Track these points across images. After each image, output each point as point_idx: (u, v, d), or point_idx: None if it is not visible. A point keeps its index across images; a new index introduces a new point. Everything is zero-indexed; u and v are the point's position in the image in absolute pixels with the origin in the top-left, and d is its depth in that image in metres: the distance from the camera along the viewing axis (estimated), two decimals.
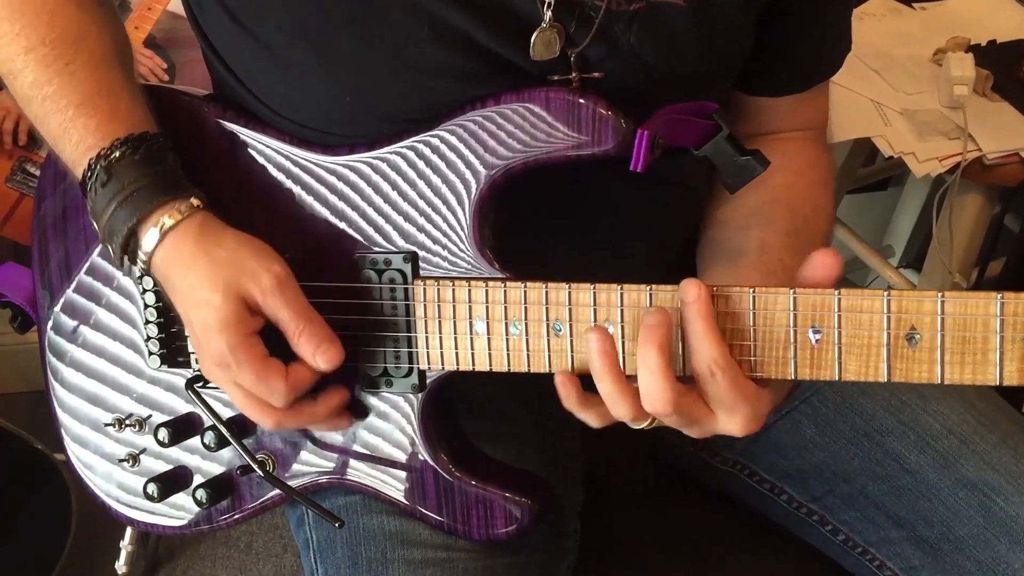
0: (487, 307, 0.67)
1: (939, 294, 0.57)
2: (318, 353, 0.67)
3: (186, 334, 0.77)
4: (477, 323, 0.68)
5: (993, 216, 1.60)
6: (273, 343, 0.68)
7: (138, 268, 0.70)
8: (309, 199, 0.73)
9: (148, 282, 0.76)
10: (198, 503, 0.79)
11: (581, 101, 0.65)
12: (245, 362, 0.66)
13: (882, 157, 1.53)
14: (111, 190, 0.68)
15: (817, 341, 0.60)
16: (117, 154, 0.69)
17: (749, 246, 0.76)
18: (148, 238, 0.68)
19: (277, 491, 0.78)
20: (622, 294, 0.64)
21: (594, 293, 0.65)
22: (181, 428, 0.79)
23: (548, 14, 0.66)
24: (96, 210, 0.70)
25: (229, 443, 0.76)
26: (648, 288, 0.63)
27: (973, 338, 0.57)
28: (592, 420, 0.65)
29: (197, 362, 0.77)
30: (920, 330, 0.58)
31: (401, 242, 0.71)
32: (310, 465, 0.77)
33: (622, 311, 0.64)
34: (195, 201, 0.69)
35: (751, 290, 0.61)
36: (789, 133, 0.83)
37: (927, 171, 1.45)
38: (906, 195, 2.17)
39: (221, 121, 0.76)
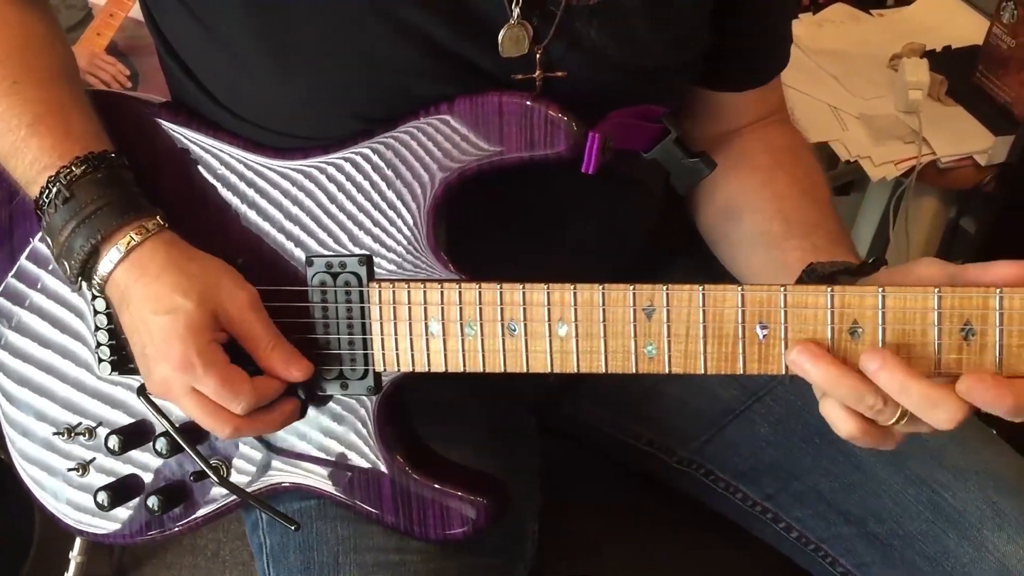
0: (442, 308, 0.68)
1: (879, 289, 0.59)
2: (291, 363, 0.69)
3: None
4: (432, 324, 0.68)
5: (949, 219, 1.63)
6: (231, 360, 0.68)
7: (94, 285, 0.70)
8: (263, 203, 0.73)
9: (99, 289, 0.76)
10: (150, 511, 0.78)
11: (533, 105, 0.66)
12: (211, 366, 0.66)
13: (843, 162, 1.56)
14: (72, 208, 0.68)
15: (764, 336, 0.61)
16: (78, 172, 0.69)
17: (775, 227, 0.77)
18: (111, 255, 0.68)
19: (231, 497, 0.78)
20: (575, 293, 0.65)
21: (548, 293, 0.65)
22: (132, 435, 0.78)
23: (516, 11, 0.67)
24: (53, 227, 0.69)
25: (182, 449, 0.75)
26: (601, 287, 0.64)
27: (912, 331, 0.59)
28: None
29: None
30: (862, 324, 0.59)
31: (356, 245, 0.71)
32: (264, 470, 0.77)
33: (575, 310, 0.65)
34: (160, 220, 0.69)
35: (700, 288, 0.62)
36: (758, 123, 0.86)
37: (882, 174, 1.48)
38: (867, 200, 2.20)
39: (172, 126, 0.75)
